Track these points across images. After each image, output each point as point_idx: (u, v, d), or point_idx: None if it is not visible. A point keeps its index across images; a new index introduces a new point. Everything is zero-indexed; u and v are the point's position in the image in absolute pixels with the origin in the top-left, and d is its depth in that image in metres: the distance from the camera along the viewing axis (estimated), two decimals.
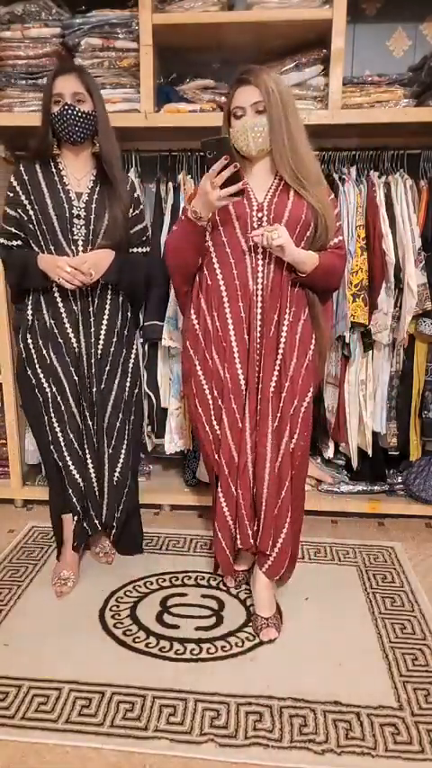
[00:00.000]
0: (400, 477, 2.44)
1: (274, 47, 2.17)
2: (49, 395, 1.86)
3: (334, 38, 2.00)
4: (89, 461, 1.90)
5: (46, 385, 1.86)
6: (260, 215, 1.57)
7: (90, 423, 1.88)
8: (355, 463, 2.38)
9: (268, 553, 1.69)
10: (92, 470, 1.91)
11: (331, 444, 2.41)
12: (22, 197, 1.78)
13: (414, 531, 2.35)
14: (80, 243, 1.77)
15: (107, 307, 1.85)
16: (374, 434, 2.33)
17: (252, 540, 1.69)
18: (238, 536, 1.69)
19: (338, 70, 2.03)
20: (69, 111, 1.69)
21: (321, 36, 2.05)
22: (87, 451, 1.89)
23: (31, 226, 1.79)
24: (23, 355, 1.88)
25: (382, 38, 2.36)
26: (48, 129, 1.75)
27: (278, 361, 1.62)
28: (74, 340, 1.83)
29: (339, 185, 2.12)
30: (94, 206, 1.77)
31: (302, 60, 2.10)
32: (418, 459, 2.37)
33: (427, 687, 1.52)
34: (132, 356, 1.97)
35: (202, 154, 2.24)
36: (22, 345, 1.88)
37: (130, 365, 1.96)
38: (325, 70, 2.10)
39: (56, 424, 1.87)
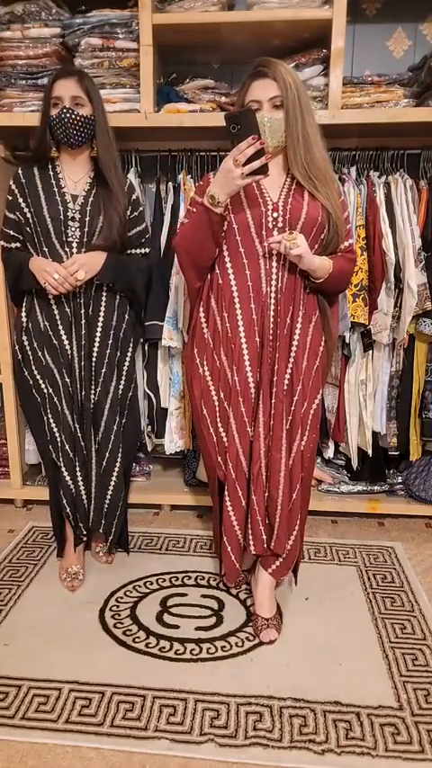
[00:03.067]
0: (400, 477, 2.44)
1: (274, 47, 2.17)
2: (46, 395, 1.87)
3: (334, 38, 2.00)
4: (78, 467, 1.89)
5: (43, 386, 1.87)
6: (275, 215, 1.54)
7: (78, 426, 1.87)
8: (355, 463, 2.38)
9: (282, 555, 1.69)
10: (79, 477, 1.89)
11: (331, 444, 2.41)
12: (20, 200, 1.80)
13: (414, 531, 2.35)
14: (74, 245, 1.78)
15: (102, 308, 1.85)
16: (374, 434, 2.33)
17: (265, 545, 1.68)
18: (251, 541, 1.67)
19: (338, 70, 2.03)
20: (67, 115, 1.69)
21: (321, 36, 2.05)
22: (77, 457, 1.88)
23: (28, 228, 1.81)
24: (20, 356, 1.90)
25: (382, 38, 2.36)
26: (46, 132, 1.75)
27: (290, 365, 1.61)
28: (66, 343, 1.82)
29: (339, 185, 2.12)
30: (89, 208, 1.78)
31: (302, 60, 2.10)
32: (418, 459, 2.37)
33: (427, 687, 1.52)
34: (128, 358, 1.96)
35: (201, 154, 2.27)
36: (17, 347, 1.90)
37: (125, 367, 1.96)
38: (325, 70, 2.10)
39: (53, 426, 1.88)
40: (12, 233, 1.85)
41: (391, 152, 2.21)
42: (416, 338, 2.25)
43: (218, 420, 1.68)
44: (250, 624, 1.75)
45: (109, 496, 1.94)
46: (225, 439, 1.67)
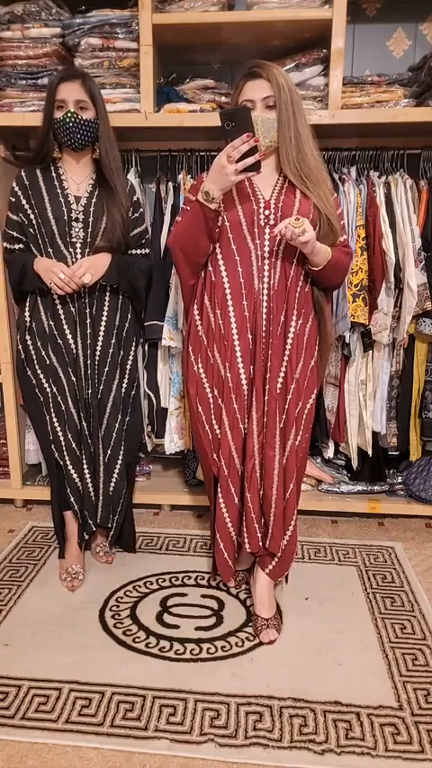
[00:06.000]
0: (400, 477, 2.44)
1: (274, 47, 2.17)
2: (50, 394, 1.89)
3: (334, 38, 2.00)
4: (85, 463, 1.92)
5: (46, 385, 1.89)
6: (267, 213, 1.55)
7: (85, 424, 1.90)
8: (355, 463, 2.38)
9: (277, 554, 1.69)
10: (87, 473, 1.92)
11: (331, 444, 2.41)
12: (23, 201, 1.82)
13: (414, 531, 2.35)
14: (78, 245, 1.79)
15: (105, 308, 1.87)
16: (374, 434, 2.33)
17: (261, 543, 1.69)
18: (246, 539, 1.67)
19: (338, 70, 2.03)
20: (72, 119, 1.71)
21: (321, 36, 2.05)
22: (84, 453, 1.91)
23: (31, 229, 1.83)
24: (23, 356, 1.91)
25: (382, 38, 2.36)
26: (48, 134, 1.77)
27: (284, 364, 1.61)
28: (71, 342, 1.85)
29: (339, 185, 2.12)
30: (92, 209, 1.80)
31: (302, 60, 2.10)
32: (418, 459, 2.37)
33: (427, 687, 1.52)
34: (131, 357, 1.98)
35: (201, 154, 2.27)
36: (21, 346, 1.91)
37: (128, 366, 1.97)
38: (325, 70, 2.10)
39: (56, 424, 1.90)
40: (15, 234, 1.87)
41: (391, 152, 2.21)
42: (416, 338, 2.25)
43: (212, 417, 1.69)
44: (250, 624, 1.75)
45: (110, 492, 1.95)
46: (219, 436, 1.68)
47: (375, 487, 2.42)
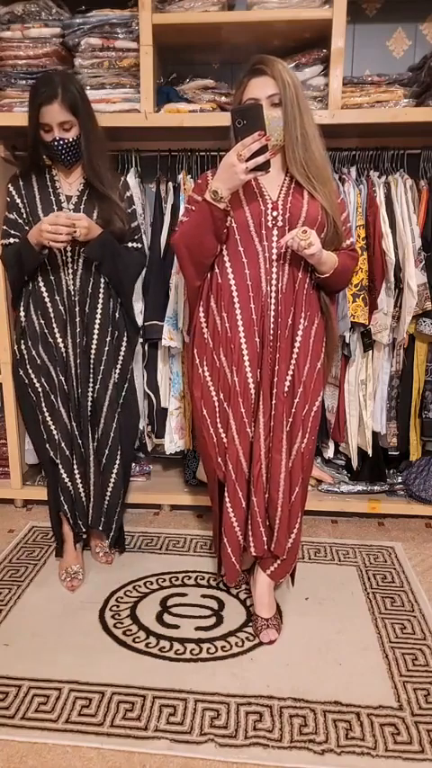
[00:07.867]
0: (400, 477, 2.44)
1: (274, 47, 2.16)
2: (41, 393, 1.91)
3: (334, 38, 2.00)
4: (75, 464, 1.92)
5: (37, 384, 1.91)
6: (275, 213, 1.53)
7: (75, 423, 1.90)
8: (355, 463, 2.38)
9: (281, 557, 1.69)
10: (77, 474, 1.92)
11: (331, 444, 2.41)
12: (18, 200, 1.87)
13: (414, 531, 2.35)
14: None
15: (99, 306, 1.87)
16: (374, 434, 2.33)
17: (266, 546, 1.68)
18: (251, 543, 1.67)
19: (338, 70, 2.02)
20: (58, 146, 1.74)
21: (321, 36, 2.05)
22: (74, 453, 1.91)
23: (27, 227, 1.85)
24: (17, 357, 1.94)
25: (382, 38, 2.36)
26: (37, 149, 1.79)
27: (292, 366, 1.60)
28: (60, 341, 1.86)
29: (339, 185, 2.12)
30: (82, 207, 1.82)
31: (302, 60, 2.10)
32: (418, 459, 2.37)
33: (427, 687, 1.52)
34: (121, 356, 1.97)
35: (201, 154, 2.27)
36: (16, 347, 1.94)
37: (119, 364, 1.97)
38: (325, 70, 2.09)
39: (50, 422, 1.92)
40: (11, 231, 1.90)
41: (391, 152, 2.21)
42: (416, 338, 2.25)
43: (218, 421, 1.68)
44: (250, 624, 1.75)
45: (108, 495, 1.96)
46: (225, 440, 1.67)
47: (375, 487, 2.42)
